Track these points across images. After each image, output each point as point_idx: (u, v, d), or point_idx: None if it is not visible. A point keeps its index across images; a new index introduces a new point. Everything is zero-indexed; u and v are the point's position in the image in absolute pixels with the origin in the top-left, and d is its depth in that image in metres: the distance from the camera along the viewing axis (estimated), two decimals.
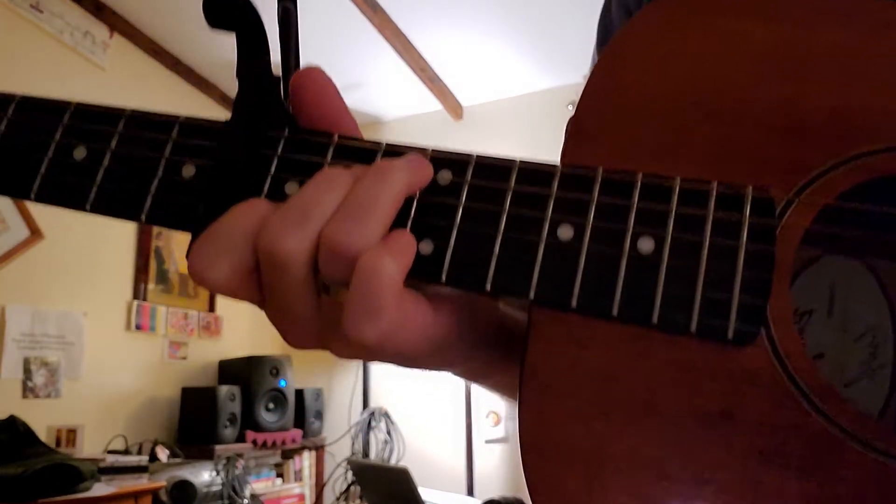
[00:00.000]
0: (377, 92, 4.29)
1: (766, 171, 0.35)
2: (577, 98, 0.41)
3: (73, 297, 3.36)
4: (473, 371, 0.48)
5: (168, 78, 3.97)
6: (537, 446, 0.34)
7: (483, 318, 0.42)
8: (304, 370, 4.26)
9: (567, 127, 0.41)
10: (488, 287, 0.35)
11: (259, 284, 0.37)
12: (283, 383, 3.91)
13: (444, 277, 0.36)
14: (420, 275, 0.36)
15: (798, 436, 0.31)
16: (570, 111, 0.40)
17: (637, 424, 0.33)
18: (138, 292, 3.73)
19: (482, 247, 0.36)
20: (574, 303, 0.34)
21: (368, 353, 0.37)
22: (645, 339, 0.34)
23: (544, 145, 3.99)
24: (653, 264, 0.34)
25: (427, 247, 0.37)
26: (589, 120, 0.39)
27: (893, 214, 0.34)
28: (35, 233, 3.11)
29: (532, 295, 0.35)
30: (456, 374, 0.47)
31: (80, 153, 0.42)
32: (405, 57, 3.82)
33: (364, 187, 0.35)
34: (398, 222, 0.37)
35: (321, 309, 0.37)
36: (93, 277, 3.43)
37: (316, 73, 0.39)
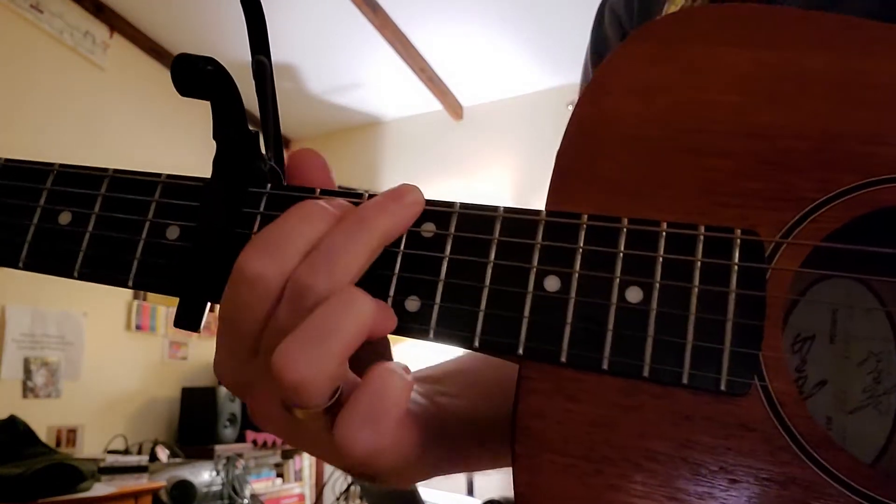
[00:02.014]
0: (377, 92, 4.29)
1: (754, 203, 0.35)
2: (576, 98, 0.40)
3: (73, 297, 3.36)
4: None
5: (168, 78, 3.93)
6: (532, 502, 0.33)
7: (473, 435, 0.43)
8: None
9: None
10: (476, 343, 0.35)
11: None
12: None
13: (431, 335, 0.35)
14: (408, 332, 0.36)
15: (795, 488, 0.31)
16: (570, 111, 0.40)
17: (631, 479, 0.32)
18: (138, 292, 3.73)
19: (469, 302, 0.35)
20: (564, 357, 0.34)
21: (336, 460, 0.37)
22: (637, 391, 0.33)
23: (544, 146, 3.98)
24: (642, 314, 0.34)
25: (414, 304, 0.36)
26: (573, 158, 0.38)
27: (884, 252, 0.33)
28: None
29: (521, 350, 0.34)
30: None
31: (65, 218, 0.41)
32: (405, 57, 3.81)
33: (342, 232, 0.34)
34: (382, 278, 0.37)
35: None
36: None
37: (311, 155, 0.40)
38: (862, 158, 0.34)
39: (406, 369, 0.34)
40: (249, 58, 0.41)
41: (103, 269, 0.40)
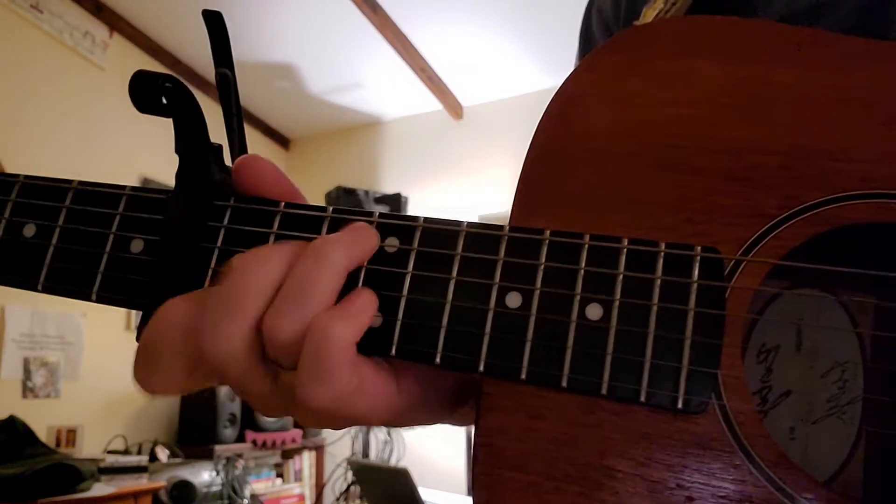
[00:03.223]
0: (377, 92, 4.28)
1: (720, 220, 0.35)
2: None
3: None
4: (453, 417, 0.47)
5: None
6: None
7: (451, 378, 0.41)
8: None
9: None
10: (438, 360, 0.35)
11: (210, 373, 0.36)
12: None
13: (393, 351, 0.35)
14: (370, 349, 0.36)
15: None
16: None
17: (590, 497, 0.32)
18: None
19: (431, 318, 0.35)
20: (524, 374, 0.34)
21: (328, 420, 0.36)
22: (597, 408, 0.33)
23: None
24: (601, 332, 0.34)
25: (376, 320, 0.36)
26: (539, 171, 0.38)
27: (841, 272, 0.33)
28: None
29: (482, 367, 0.34)
30: (437, 422, 0.47)
31: (29, 231, 0.41)
32: (405, 57, 3.80)
33: (302, 271, 0.34)
34: (345, 293, 0.36)
35: (280, 383, 0.36)
36: None
37: (251, 162, 0.39)
38: (829, 174, 0.34)
39: (360, 305, 0.34)
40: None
41: (67, 283, 0.40)
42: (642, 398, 0.33)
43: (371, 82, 4.19)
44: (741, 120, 0.36)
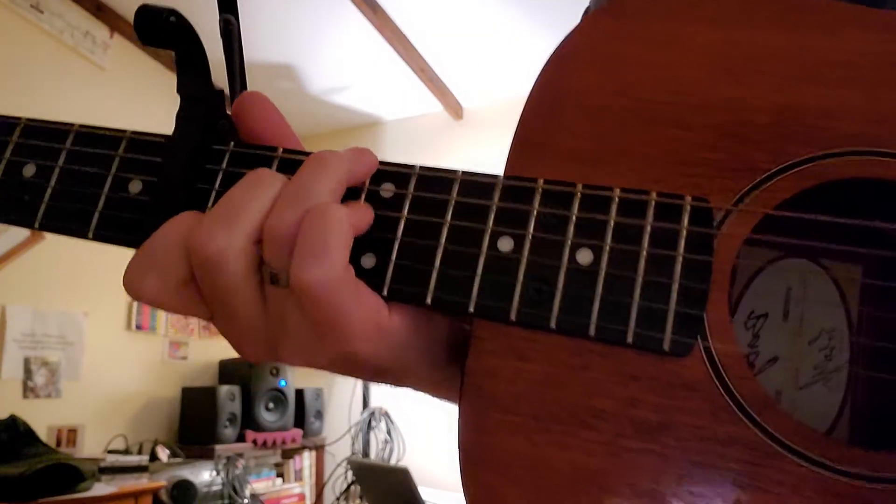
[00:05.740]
0: (377, 92, 4.29)
1: (710, 173, 0.35)
2: None
3: (74, 296, 3.37)
4: (439, 383, 0.47)
5: (168, 78, 3.97)
6: (478, 459, 0.34)
7: (443, 327, 0.41)
8: (305, 370, 4.25)
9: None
10: (429, 300, 0.35)
11: (199, 297, 0.37)
12: (283, 383, 3.91)
13: (385, 291, 0.36)
14: None
15: (735, 448, 0.32)
16: None
17: (577, 436, 0.33)
18: None
19: (424, 260, 0.36)
20: (513, 315, 0.34)
21: (321, 358, 0.36)
22: (585, 350, 0.34)
23: None
24: (591, 275, 0.34)
25: (369, 261, 0.37)
26: (533, 127, 0.39)
27: (835, 222, 0.34)
28: (35, 233, 3.12)
29: (472, 308, 0.35)
30: (422, 389, 0.46)
31: (29, 171, 0.42)
32: (405, 57, 3.81)
33: (305, 174, 0.35)
34: None
35: (268, 312, 0.36)
36: (93, 277, 3.43)
37: (258, 98, 0.40)
38: (817, 132, 0.35)
39: (360, 208, 0.36)
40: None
41: (64, 221, 0.41)
42: (629, 339, 0.33)
43: (371, 82, 4.19)
44: (732, 80, 0.37)
